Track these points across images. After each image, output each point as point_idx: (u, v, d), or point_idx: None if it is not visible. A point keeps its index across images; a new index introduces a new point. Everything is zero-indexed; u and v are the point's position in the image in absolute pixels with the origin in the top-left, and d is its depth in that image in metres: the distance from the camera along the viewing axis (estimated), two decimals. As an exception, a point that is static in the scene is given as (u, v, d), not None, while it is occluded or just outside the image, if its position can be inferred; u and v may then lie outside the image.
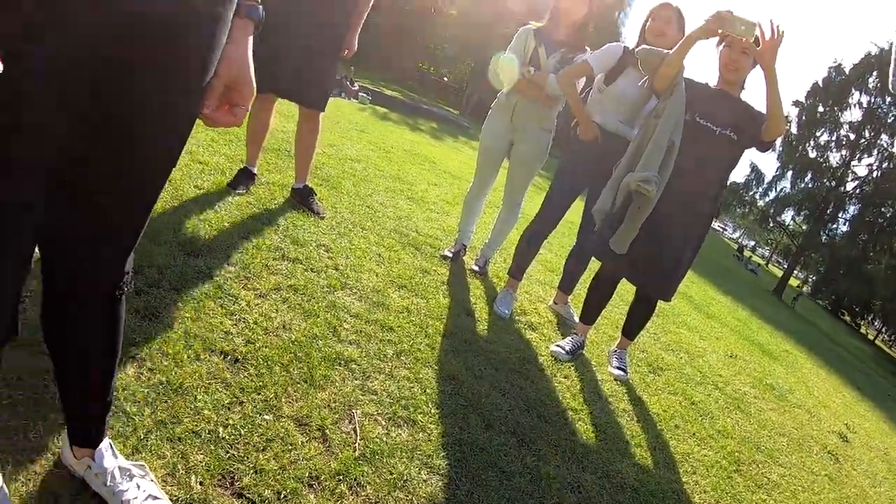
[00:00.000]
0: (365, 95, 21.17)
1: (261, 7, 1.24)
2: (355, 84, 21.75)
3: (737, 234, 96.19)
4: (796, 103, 36.09)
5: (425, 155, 10.07)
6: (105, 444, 1.53)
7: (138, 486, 1.51)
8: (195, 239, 2.99)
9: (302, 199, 4.21)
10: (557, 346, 3.77)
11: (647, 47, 3.58)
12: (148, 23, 1.05)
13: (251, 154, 4.25)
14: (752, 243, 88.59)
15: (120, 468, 1.52)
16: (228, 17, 1.16)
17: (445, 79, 46.87)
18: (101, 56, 1.02)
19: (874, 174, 34.51)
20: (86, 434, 1.51)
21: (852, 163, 35.00)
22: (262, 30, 1.27)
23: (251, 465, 1.78)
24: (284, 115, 4.26)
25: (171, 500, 1.56)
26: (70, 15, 0.96)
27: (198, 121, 1.23)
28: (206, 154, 4.36)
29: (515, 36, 4.15)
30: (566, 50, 4.00)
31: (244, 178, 4.12)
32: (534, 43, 4.04)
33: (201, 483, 1.66)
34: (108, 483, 1.49)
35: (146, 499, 1.49)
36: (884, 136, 34.02)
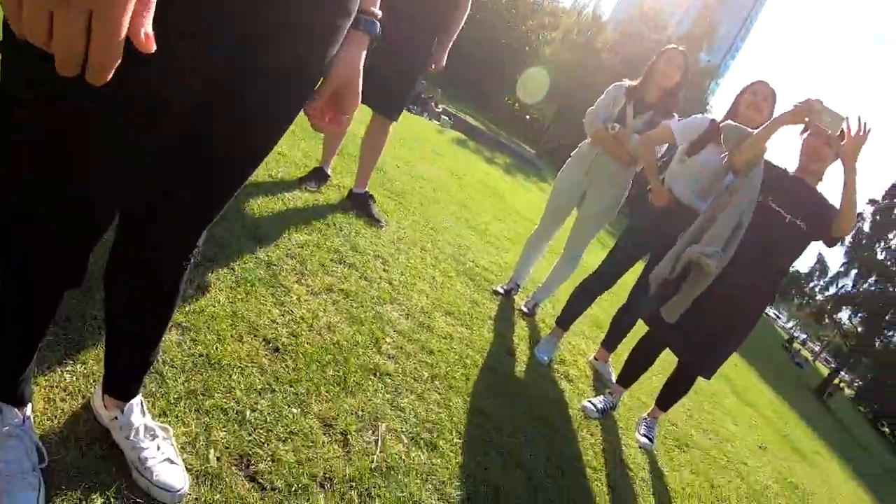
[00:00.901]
0: (447, 119, 21.33)
1: (378, 23, 1.27)
2: (439, 106, 21.96)
3: (790, 325, 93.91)
4: (872, 202, 35.29)
5: (495, 188, 10.11)
6: (137, 400, 1.57)
7: (158, 448, 1.54)
8: (259, 225, 3.07)
9: (361, 204, 4.25)
10: (590, 402, 3.73)
11: (733, 123, 3.56)
12: (288, 30, 1.10)
13: (327, 155, 4.34)
14: (804, 336, 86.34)
15: (145, 426, 1.56)
16: (345, 29, 1.20)
17: (528, 117, 47.00)
18: (236, 64, 1.09)
19: None
20: (121, 386, 1.56)
21: None
22: None
23: (269, 453, 1.81)
24: (364, 122, 4.34)
25: (186, 467, 1.59)
26: (223, 19, 1.02)
27: None
28: (285, 146, 4.47)
29: (606, 91, 4.18)
30: (654, 113, 4.01)
31: (317, 176, 4.21)
32: (623, 100, 4.06)
33: (218, 459, 1.69)
34: (131, 437, 1.53)
35: (163, 461, 1.52)
36: None
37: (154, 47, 0.68)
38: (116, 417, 1.54)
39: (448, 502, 2.15)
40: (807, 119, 3.29)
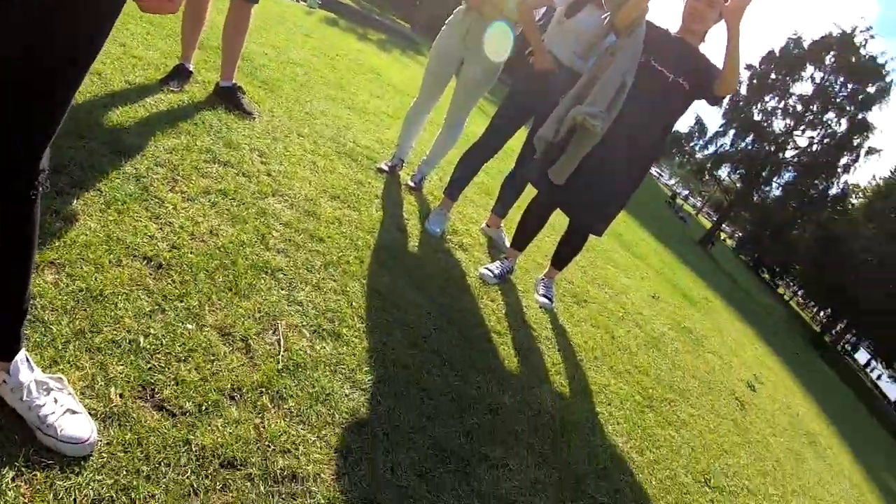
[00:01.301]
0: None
1: None
2: (305, -15, 20.96)
3: (672, 182, 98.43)
4: (749, 67, 37.73)
5: (370, 65, 9.82)
6: (21, 356, 1.47)
7: (56, 401, 1.45)
8: (122, 137, 2.85)
9: (229, 97, 3.99)
10: (486, 268, 3.79)
11: None
12: None
13: (186, 50, 4.03)
14: (686, 192, 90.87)
15: (36, 381, 1.46)
16: None
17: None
18: None
19: (814, 147, 36.09)
20: (0, 346, 1.45)
21: (795, 132, 36.58)
22: None
23: (172, 377, 1.75)
24: (224, 10, 4.05)
25: (89, 413, 1.51)
26: None
27: (133, 9, 1.15)
28: (140, 48, 4.13)
29: None
30: None
31: (178, 74, 3.92)
32: None
33: (121, 395, 1.62)
34: (25, 398, 1.43)
35: (64, 413, 1.44)
36: (830, 114, 35.60)
37: None
38: (4, 381, 1.44)
39: (361, 389, 2.16)
40: None
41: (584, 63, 3.90)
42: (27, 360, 1.48)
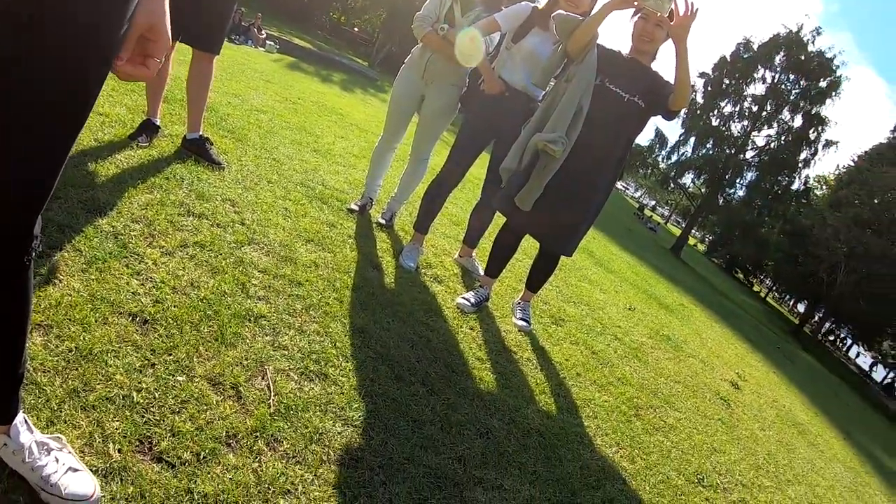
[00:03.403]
0: (272, 44, 20.61)
1: None
2: (263, 31, 21.14)
3: (638, 194, 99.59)
4: (703, 75, 39.06)
5: (333, 107, 9.94)
6: (20, 418, 1.48)
7: (57, 460, 1.47)
8: (96, 195, 2.89)
9: (198, 149, 4.07)
10: (463, 298, 3.86)
11: (563, 13, 3.63)
12: None
13: (152, 105, 4.10)
14: (653, 203, 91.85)
15: (37, 443, 1.48)
16: None
17: (356, 29, 46.06)
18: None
19: (773, 145, 37.12)
20: None
21: (753, 133, 37.83)
22: None
23: (168, 428, 1.79)
24: (185, 63, 4.12)
25: (90, 469, 1.54)
26: None
27: None
28: (106, 105, 4.19)
29: None
30: (481, 9, 4.04)
31: (146, 130, 3.99)
32: (450, 1, 4.06)
33: (120, 450, 1.65)
34: (27, 459, 1.45)
35: (66, 472, 1.46)
36: (785, 112, 36.64)
37: None
38: (5, 444, 1.46)
39: (352, 425, 2.21)
40: (635, 3, 3.41)
41: (536, 89, 4.02)
42: (26, 421, 1.50)
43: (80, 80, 1.17)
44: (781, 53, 36.76)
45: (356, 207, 4.52)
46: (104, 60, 1.16)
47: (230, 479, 1.72)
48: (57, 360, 1.84)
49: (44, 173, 1.21)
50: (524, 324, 3.99)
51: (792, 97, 36.72)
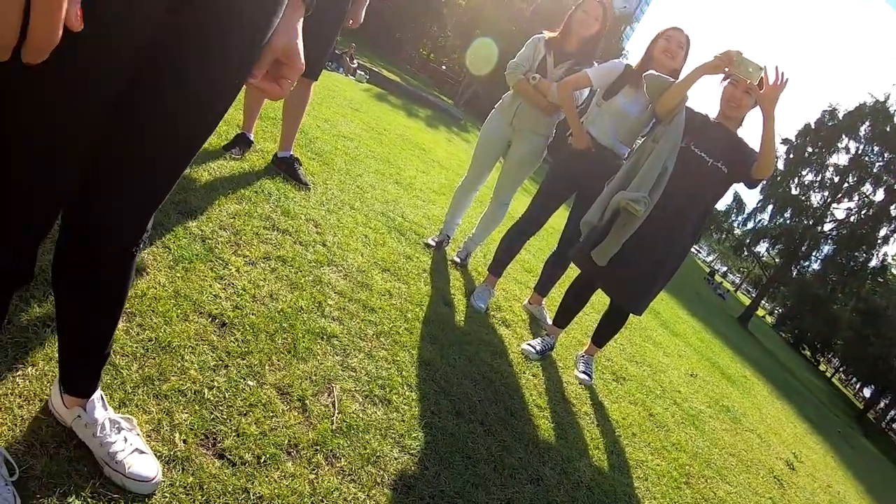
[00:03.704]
0: (363, 74, 21.11)
1: None
2: (355, 61, 21.67)
3: (710, 258, 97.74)
4: (786, 141, 37.69)
5: (417, 141, 10.10)
6: (97, 395, 1.55)
7: (125, 440, 1.53)
8: (189, 199, 3.02)
9: (287, 167, 4.21)
10: (528, 344, 3.86)
11: (655, 73, 3.66)
12: None
13: (248, 120, 4.27)
14: (724, 269, 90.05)
15: (110, 420, 1.53)
16: None
17: (444, 67, 46.84)
18: (160, 21, 1.04)
19: (852, 219, 35.80)
20: (80, 384, 1.53)
21: (832, 205, 36.41)
22: None
23: (233, 428, 1.84)
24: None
25: (155, 455, 1.59)
26: None
27: None
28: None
29: (527, 43, 4.25)
30: (573, 62, 4.10)
31: (240, 143, 4.15)
32: (543, 52, 4.14)
33: (185, 441, 1.71)
34: (98, 434, 1.50)
35: (132, 452, 1.52)
36: (867, 185, 35.41)
37: (82, 25, 0.69)
38: (80, 416, 1.52)
39: (409, 453, 2.23)
40: (727, 69, 3.42)
41: (620, 144, 4.04)
42: (102, 399, 1.56)
43: (223, 102, 1.25)
44: (867, 123, 35.31)
45: (433, 243, 4.59)
46: (239, 81, 1.23)
47: (286, 485, 1.76)
48: (136, 347, 1.92)
49: (168, 176, 1.28)
50: (586, 377, 3.97)
51: (875, 170, 35.17)
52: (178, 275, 2.42)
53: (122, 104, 1.10)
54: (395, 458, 2.16)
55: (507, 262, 4.42)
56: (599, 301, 5.15)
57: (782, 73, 3.33)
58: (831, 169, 36.70)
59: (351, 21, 4.19)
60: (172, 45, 1.10)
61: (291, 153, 4.29)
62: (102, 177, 1.20)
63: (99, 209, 1.24)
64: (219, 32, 1.13)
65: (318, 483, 1.84)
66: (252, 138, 4.31)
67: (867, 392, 46.50)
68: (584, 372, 4.01)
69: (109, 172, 1.20)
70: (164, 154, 1.24)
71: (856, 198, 35.87)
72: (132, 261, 1.40)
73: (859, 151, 35.72)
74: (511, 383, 3.30)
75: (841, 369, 52.04)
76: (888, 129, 34.57)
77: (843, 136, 36.32)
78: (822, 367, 52.95)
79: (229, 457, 1.75)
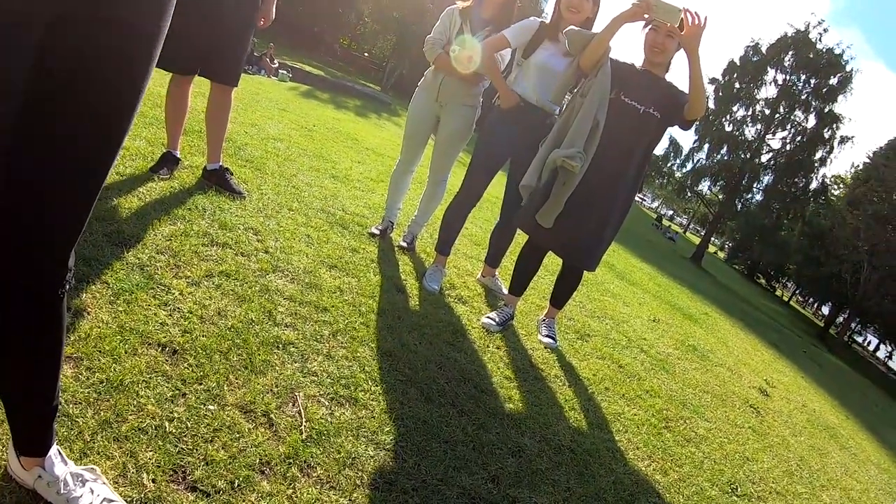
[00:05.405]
0: (285, 73, 20.88)
1: None
2: (276, 61, 21.40)
3: (655, 204, 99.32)
4: (713, 80, 38.62)
5: (348, 132, 10.00)
6: (54, 450, 1.49)
7: (92, 491, 1.47)
8: (121, 228, 2.92)
9: (218, 179, 4.10)
10: (488, 317, 3.85)
11: (575, 28, 3.65)
12: None
13: (172, 137, 4.14)
14: (671, 212, 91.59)
15: (72, 474, 1.47)
16: None
17: (366, 55, 46.57)
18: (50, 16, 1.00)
19: (787, 147, 36.87)
20: (34, 442, 1.47)
21: (767, 136, 37.48)
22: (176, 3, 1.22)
23: (201, 457, 1.79)
24: (203, 95, 4.17)
25: (125, 500, 1.54)
26: None
27: None
28: (126, 139, 4.24)
29: (441, 16, 4.20)
30: (491, 28, 4.07)
31: (167, 162, 4.03)
32: (459, 21, 4.10)
33: (154, 480, 1.65)
34: (62, 491, 1.45)
35: (101, 503, 1.46)
36: (798, 112, 36.42)
37: None
38: (40, 476, 1.46)
39: (385, 449, 2.20)
40: (645, 15, 3.42)
41: (550, 103, 4.01)
42: (60, 453, 1.50)
43: (125, 110, 1.22)
44: (790, 53, 36.67)
45: (377, 231, 4.53)
46: (138, 90, 1.20)
47: (265, 506, 1.72)
48: (88, 392, 1.85)
49: (80, 207, 1.23)
50: (550, 341, 3.98)
51: (804, 97, 36.57)
52: (121, 308, 2.34)
53: (17, 132, 1.05)
54: (372, 457, 2.13)
55: (452, 239, 4.38)
56: (552, 263, 5.17)
57: (697, 13, 3.35)
58: (761, 102, 37.90)
59: (262, 20, 4.10)
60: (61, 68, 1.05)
61: (221, 164, 4.18)
62: (13, 217, 1.15)
63: (13, 254, 1.19)
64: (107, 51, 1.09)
65: (297, 497, 1.80)
66: (179, 155, 4.19)
67: (825, 310, 47.86)
68: (547, 335, 4.02)
69: (19, 207, 1.15)
70: (68, 181, 1.19)
71: (788, 126, 37.12)
72: (61, 304, 1.34)
73: (787, 81, 36.94)
74: (476, 360, 3.28)
75: (797, 292, 53.46)
76: (811, 55, 35.66)
77: (769, 69, 37.55)
78: (778, 293, 54.38)
79: (202, 488, 1.69)
